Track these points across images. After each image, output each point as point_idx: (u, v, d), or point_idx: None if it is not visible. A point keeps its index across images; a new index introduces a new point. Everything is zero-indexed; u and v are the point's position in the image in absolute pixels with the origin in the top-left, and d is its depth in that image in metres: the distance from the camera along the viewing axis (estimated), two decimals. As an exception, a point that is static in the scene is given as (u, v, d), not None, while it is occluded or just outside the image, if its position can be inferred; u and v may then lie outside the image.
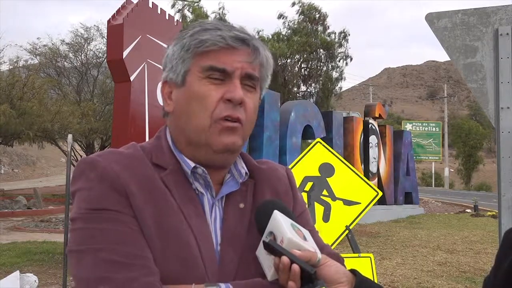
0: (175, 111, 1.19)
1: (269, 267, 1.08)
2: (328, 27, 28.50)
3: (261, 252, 1.10)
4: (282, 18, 28.48)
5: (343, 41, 28.57)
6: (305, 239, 1.09)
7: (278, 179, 1.29)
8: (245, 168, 1.24)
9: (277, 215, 1.09)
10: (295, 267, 1.02)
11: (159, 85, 1.29)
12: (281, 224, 1.07)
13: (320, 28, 28.18)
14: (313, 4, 28.09)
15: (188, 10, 27.33)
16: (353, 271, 1.12)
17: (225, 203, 1.20)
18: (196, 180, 1.18)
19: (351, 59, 29.09)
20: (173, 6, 27.33)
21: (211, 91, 1.13)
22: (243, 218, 1.19)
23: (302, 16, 28.00)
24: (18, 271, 4.67)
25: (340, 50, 28.57)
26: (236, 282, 1.10)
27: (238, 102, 1.14)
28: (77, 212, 1.10)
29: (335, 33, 28.58)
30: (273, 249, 1.05)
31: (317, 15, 28.03)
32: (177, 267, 1.08)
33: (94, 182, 1.10)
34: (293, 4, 28.18)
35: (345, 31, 28.68)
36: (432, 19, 2.97)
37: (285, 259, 1.02)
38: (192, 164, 1.17)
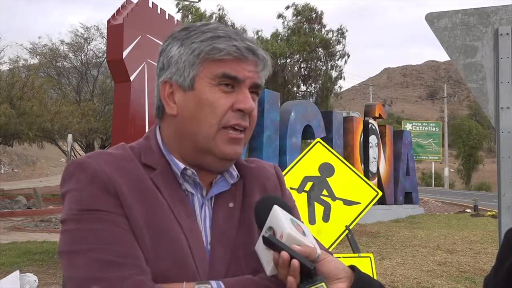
0: (181, 115, 1.18)
1: (268, 262, 1.08)
2: (325, 26, 28.57)
3: (260, 247, 1.10)
4: (282, 18, 28.55)
5: (341, 38, 28.60)
6: (304, 234, 1.09)
7: (267, 177, 1.31)
8: (236, 170, 1.26)
9: (276, 210, 1.09)
10: (295, 262, 1.03)
11: (157, 84, 1.29)
12: (280, 219, 1.07)
13: (317, 27, 28.22)
14: (308, 4, 28.18)
15: (188, 10, 27.31)
16: (352, 267, 1.13)
17: (215, 203, 1.21)
18: (186, 181, 1.19)
19: (348, 56, 29.10)
20: (177, 5, 27.35)
21: (222, 99, 1.15)
22: (233, 217, 1.21)
23: (299, 17, 28.04)
24: (18, 271, 4.65)
25: (338, 47, 28.64)
26: (227, 280, 1.12)
27: (250, 112, 1.17)
28: (67, 214, 1.10)
29: (332, 31, 28.63)
30: (273, 244, 1.05)
31: (314, 15, 28.07)
32: (168, 266, 1.09)
33: (85, 183, 1.10)
34: (287, 7, 28.35)
35: (342, 27, 28.73)
36: (432, 19, 2.97)
37: (284, 254, 1.03)
38: (182, 166, 1.18)
